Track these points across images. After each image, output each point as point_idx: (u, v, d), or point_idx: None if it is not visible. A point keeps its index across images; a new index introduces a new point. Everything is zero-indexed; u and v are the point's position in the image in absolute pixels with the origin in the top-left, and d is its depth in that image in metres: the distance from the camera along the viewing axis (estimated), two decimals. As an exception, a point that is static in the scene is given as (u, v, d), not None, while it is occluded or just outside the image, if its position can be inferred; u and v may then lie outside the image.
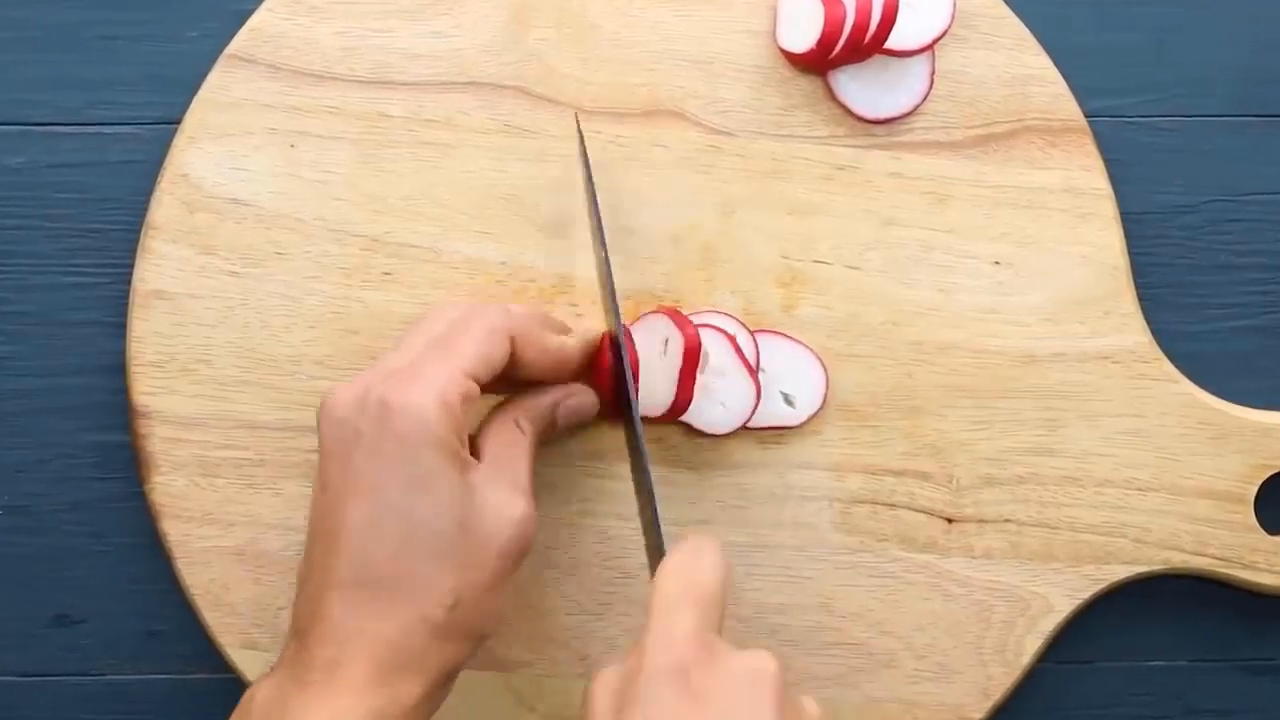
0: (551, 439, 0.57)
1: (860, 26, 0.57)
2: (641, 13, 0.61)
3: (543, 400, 0.55)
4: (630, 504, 0.59)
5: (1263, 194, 0.63)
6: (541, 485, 0.58)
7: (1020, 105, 0.60)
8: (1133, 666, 0.63)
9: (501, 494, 0.51)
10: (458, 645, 0.51)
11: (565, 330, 0.56)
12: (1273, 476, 0.60)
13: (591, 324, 0.58)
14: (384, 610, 0.49)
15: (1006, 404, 0.60)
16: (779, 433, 0.60)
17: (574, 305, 0.60)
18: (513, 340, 0.53)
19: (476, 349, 0.52)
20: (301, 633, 0.50)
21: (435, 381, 0.50)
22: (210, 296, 0.60)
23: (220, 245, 0.60)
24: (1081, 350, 0.60)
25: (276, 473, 0.59)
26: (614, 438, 0.59)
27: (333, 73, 0.60)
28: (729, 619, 0.58)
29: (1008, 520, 0.60)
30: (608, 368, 0.57)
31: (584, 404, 0.57)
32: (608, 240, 0.58)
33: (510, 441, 0.53)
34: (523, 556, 0.52)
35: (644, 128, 0.60)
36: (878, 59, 0.59)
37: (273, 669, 0.51)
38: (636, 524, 0.59)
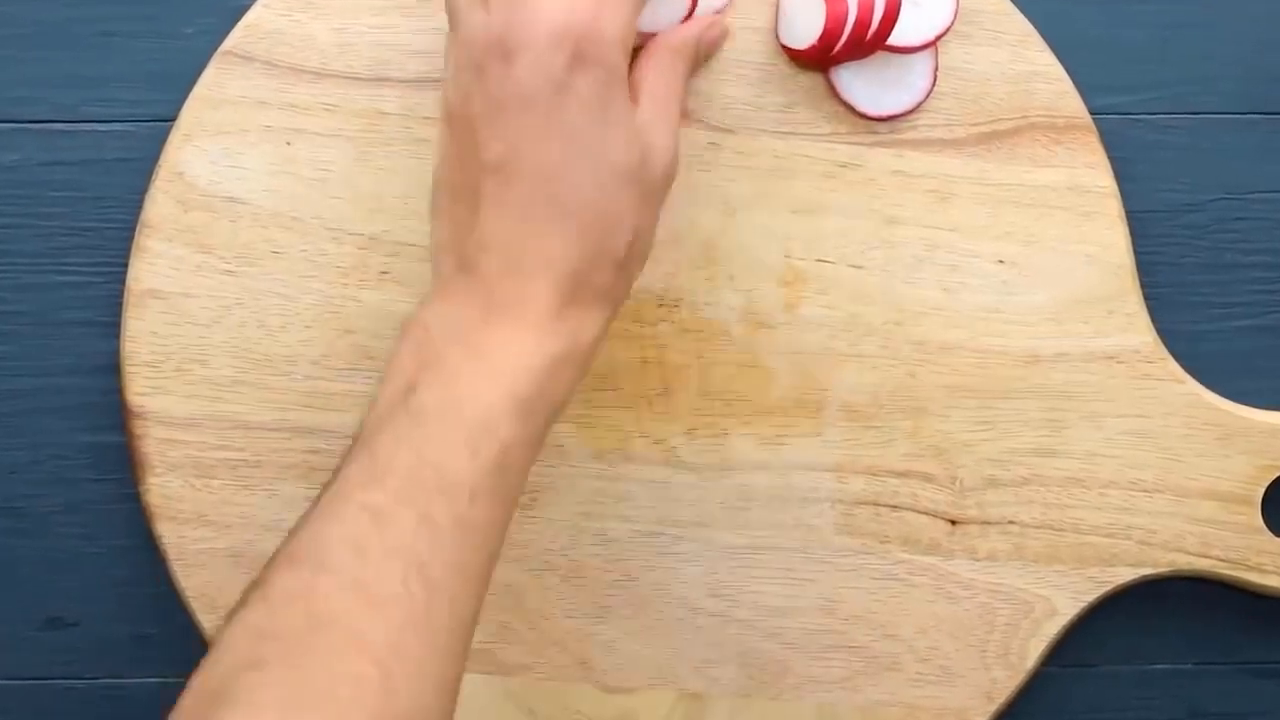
0: (695, 75, 0.57)
1: (862, 23, 0.57)
2: (641, 9, 0.61)
3: (690, 31, 0.55)
4: (633, 506, 0.59)
5: (1269, 192, 0.63)
6: (541, 486, 0.59)
7: (1024, 102, 0.60)
8: (1138, 670, 0.63)
9: (658, 132, 0.52)
10: (627, 281, 0.52)
11: None
12: (1279, 478, 0.61)
13: None
14: (572, 242, 0.50)
15: (1010, 404, 0.60)
16: (783, 429, 0.60)
17: None
18: None
19: None
20: (470, 266, 0.50)
21: (617, 18, 0.50)
22: (205, 296, 0.59)
23: (215, 244, 0.60)
24: (1086, 350, 0.60)
25: (272, 474, 0.59)
26: (616, 438, 0.60)
27: (329, 69, 0.60)
28: (728, 621, 0.59)
29: (1011, 522, 0.60)
30: None
31: (723, 34, 0.58)
32: None
33: (667, 82, 0.54)
34: (667, 193, 0.53)
35: None
36: (880, 55, 0.59)
37: (434, 303, 0.51)
38: (638, 526, 0.59)
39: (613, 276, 0.51)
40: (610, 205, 0.50)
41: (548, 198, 0.49)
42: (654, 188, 0.52)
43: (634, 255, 0.52)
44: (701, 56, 0.57)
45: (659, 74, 0.54)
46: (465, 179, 0.51)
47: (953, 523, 0.60)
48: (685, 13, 0.57)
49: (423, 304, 0.51)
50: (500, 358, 0.48)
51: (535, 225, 0.50)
